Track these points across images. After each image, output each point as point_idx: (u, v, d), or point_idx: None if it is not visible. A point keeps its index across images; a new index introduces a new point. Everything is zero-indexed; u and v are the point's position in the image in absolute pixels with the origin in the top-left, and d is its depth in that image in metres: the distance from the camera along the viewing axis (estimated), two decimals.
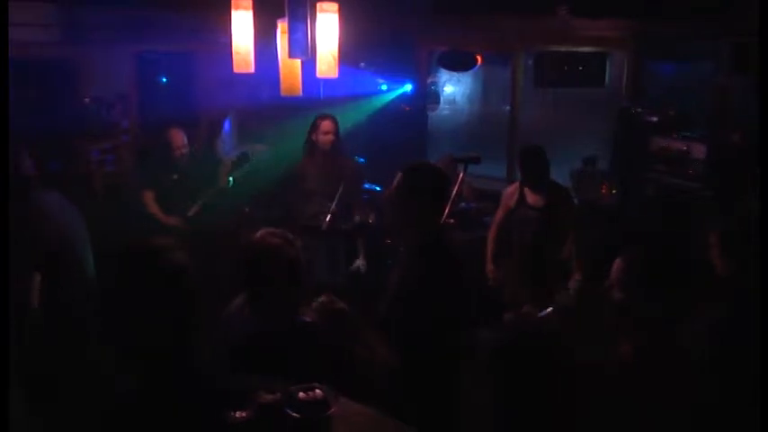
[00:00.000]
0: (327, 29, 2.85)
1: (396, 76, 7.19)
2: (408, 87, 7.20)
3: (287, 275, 2.42)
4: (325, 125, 5.03)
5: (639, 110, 5.87)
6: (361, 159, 6.06)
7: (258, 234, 2.50)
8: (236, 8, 2.95)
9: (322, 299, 2.44)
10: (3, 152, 2.47)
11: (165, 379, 1.68)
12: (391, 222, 3.21)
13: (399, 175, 2.95)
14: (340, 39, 2.90)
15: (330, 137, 5.03)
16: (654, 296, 2.08)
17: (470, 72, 7.56)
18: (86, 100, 5.90)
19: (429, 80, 7.52)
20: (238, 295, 2.60)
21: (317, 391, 1.82)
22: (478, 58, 7.19)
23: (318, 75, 2.92)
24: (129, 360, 1.69)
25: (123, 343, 1.68)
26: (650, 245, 2.23)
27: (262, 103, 6.69)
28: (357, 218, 5.22)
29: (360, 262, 5.22)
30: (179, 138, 5.25)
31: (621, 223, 5.53)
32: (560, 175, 5.62)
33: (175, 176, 5.20)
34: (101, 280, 1.71)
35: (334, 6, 2.88)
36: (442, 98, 7.68)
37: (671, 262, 2.12)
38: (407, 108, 7.19)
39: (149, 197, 5.14)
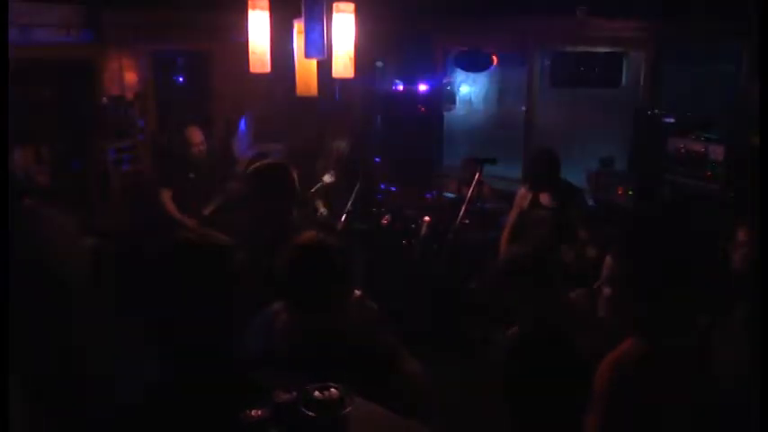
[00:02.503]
0: (343, 29, 2.86)
1: (411, 76, 7.18)
2: (424, 87, 7.20)
3: (334, 275, 2.37)
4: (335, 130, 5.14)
5: (656, 111, 5.83)
6: (377, 159, 6.07)
7: (305, 234, 2.44)
8: (253, 8, 2.96)
9: (356, 293, 2.44)
10: (3, 152, 2.46)
11: (191, 376, 1.70)
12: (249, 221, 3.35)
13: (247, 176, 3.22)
14: (356, 39, 2.90)
15: (340, 142, 5.12)
16: (639, 296, 2.06)
17: (486, 72, 7.54)
18: (104, 99, 5.94)
19: (445, 80, 7.51)
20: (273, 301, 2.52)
21: (333, 390, 1.82)
22: (494, 58, 7.17)
23: (334, 75, 2.92)
24: (159, 356, 1.71)
25: (155, 339, 1.70)
26: (641, 243, 2.20)
27: (278, 102, 6.72)
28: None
29: None
30: (197, 135, 5.31)
31: (636, 224, 5.49)
32: (577, 175, 5.59)
33: (192, 175, 5.25)
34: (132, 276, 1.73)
35: (351, 6, 2.88)
36: (457, 98, 7.67)
37: (659, 262, 2.09)
38: (423, 108, 7.18)
39: (166, 196, 5.19)
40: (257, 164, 3.32)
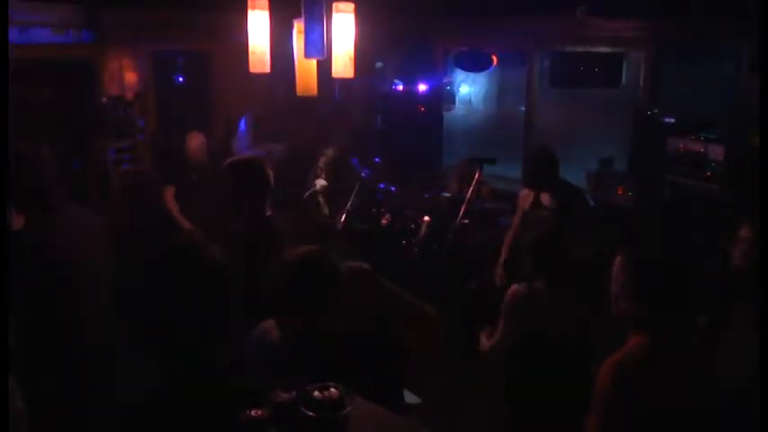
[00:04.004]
0: (343, 29, 2.85)
1: (411, 76, 7.18)
2: (424, 87, 7.20)
3: (331, 290, 2.28)
4: (321, 161, 5.24)
5: (656, 111, 5.83)
6: (376, 159, 6.07)
7: (300, 249, 2.34)
8: (253, 8, 2.95)
9: (345, 263, 2.44)
10: (3, 152, 2.44)
11: (189, 377, 1.70)
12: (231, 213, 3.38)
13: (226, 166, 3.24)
14: (356, 39, 2.89)
15: (322, 174, 5.22)
16: (640, 295, 2.07)
17: (486, 72, 7.54)
18: (104, 99, 5.94)
19: (445, 80, 7.51)
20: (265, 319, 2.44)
21: (333, 390, 1.82)
22: (494, 58, 7.17)
23: (334, 75, 2.91)
24: (157, 358, 1.71)
25: (153, 340, 1.71)
26: (647, 245, 2.21)
27: (278, 102, 6.73)
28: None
29: None
30: (196, 142, 5.33)
31: (635, 224, 5.50)
32: (577, 175, 5.59)
33: (194, 176, 5.27)
34: (132, 278, 1.73)
35: (351, 6, 2.87)
36: (457, 98, 7.67)
37: (659, 262, 2.10)
38: (422, 108, 7.18)
39: (169, 193, 5.21)
40: (230, 160, 3.33)
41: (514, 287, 3.38)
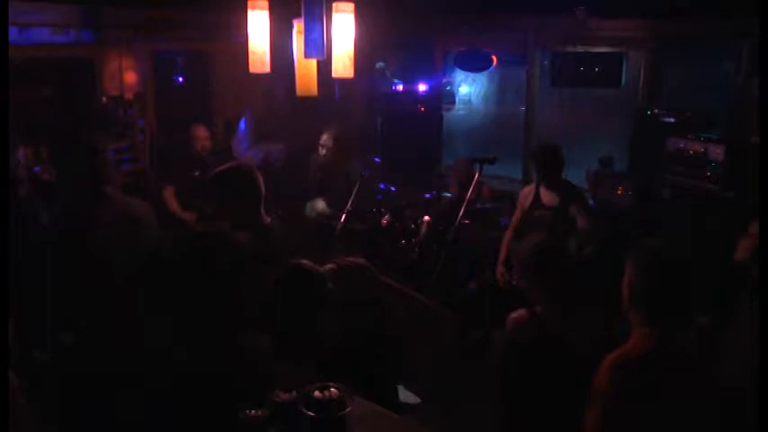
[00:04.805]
0: (343, 29, 2.86)
1: (411, 76, 7.18)
2: (423, 87, 7.19)
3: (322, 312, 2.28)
4: (323, 139, 5.23)
5: (656, 110, 5.83)
6: (376, 159, 6.07)
7: (289, 264, 2.35)
8: (253, 8, 2.96)
9: (340, 258, 2.44)
10: (3, 152, 2.46)
11: (189, 376, 1.70)
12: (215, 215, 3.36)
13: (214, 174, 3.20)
14: (356, 39, 2.89)
15: (323, 150, 5.22)
16: (641, 296, 2.08)
17: (486, 72, 7.53)
18: (103, 99, 5.94)
19: (444, 80, 7.51)
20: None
21: (333, 390, 1.82)
22: (494, 58, 7.17)
23: (334, 75, 2.92)
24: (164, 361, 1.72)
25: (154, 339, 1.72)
26: (646, 244, 2.22)
27: (278, 102, 6.73)
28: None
29: None
30: (202, 131, 5.36)
31: (636, 224, 5.50)
32: (576, 175, 5.59)
33: (197, 173, 5.28)
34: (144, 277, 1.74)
35: (350, 6, 2.88)
36: (457, 98, 7.67)
37: (659, 263, 2.11)
38: (422, 108, 7.18)
39: (169, 193, 5.22)
40: (217, 169, 3.24)
41: (519, 312, 3.36)
